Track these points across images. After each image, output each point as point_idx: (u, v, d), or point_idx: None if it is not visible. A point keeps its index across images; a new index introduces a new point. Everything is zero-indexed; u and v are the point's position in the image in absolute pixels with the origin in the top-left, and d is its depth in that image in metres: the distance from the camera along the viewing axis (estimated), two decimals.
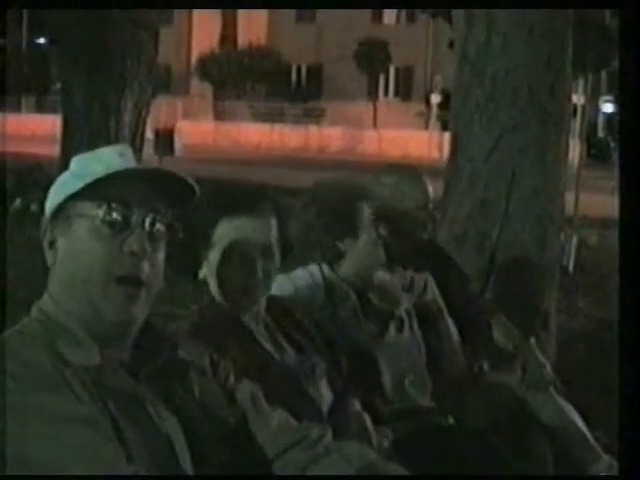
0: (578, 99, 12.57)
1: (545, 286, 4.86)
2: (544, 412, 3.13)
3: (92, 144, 10.67)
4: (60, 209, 1.78)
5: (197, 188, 1.86)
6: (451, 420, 2.92)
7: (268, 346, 2.44)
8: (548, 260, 4.84)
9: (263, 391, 2.07)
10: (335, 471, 1.90)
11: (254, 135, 35.52)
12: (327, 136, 34.77)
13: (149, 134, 16.60)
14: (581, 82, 12.00)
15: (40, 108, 35.19)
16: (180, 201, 1.86)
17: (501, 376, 3.24)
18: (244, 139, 34.97)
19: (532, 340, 3.56)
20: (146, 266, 1.76)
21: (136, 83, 11.10)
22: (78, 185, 1.75)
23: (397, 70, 40.17)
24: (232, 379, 2.03)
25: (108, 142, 10.93)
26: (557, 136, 4.76)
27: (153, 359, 1.82)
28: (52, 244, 1.80)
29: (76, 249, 1.76)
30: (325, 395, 2.47)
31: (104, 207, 1.75)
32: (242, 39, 41.28)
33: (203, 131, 35.02)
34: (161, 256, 1.82)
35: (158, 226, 1.79)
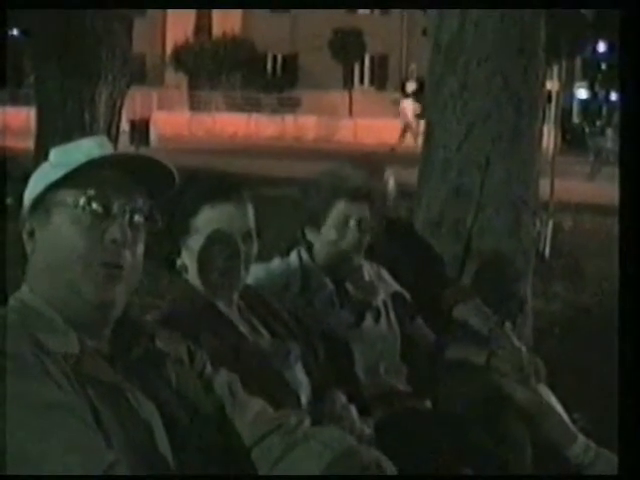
0: (552, 85, 12.60)
1: (520, 271, 4.90)
2: (519, 395, 3.16)
3: (67, 136, 10.59)
4: (40, 199, 1.79)
5: (176, 174, 1.87)
6: (428, 404, 2.96)
7: (244, 330, 2.47)
8: (523, 245, 4.87)
9: (239, 374, 2.10)
10: (313, 456, 1.91)
11: (230, 125, 35.36)
12: (303, 125, 34.70)
13: (124, 125, 16.53)
14: (555, 69, 12.04)
15: (14, 101, 34.92)
16: (160, 188, 1.88)
17: (475, 359, 3.27)
18: (220, 129, 34.78)
19: (507, 324, 3.59)
20: (127, 254, 1.79)
21: (110, 74, 11.04)
22: (58, 174, 1.76)
23: (372, 59, 40.15)
24: (209, 369, 2.04)
25: (83, 134, 10.85)
26: (531, 122, 4.79)
27: (130, 350, 1.84)
28: (31, 234, 1.81)
29: (56, 237, 1.77)
30: (301, 380, 2.50)
31: (85, 196, 1.76)
32: (217, 29, 41.10)
33: (179, 121, 34.84)
34: (141, 247, 1.83)
35: (138, 216, 1.81)
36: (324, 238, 3.03)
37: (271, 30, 39.36)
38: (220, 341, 2.34)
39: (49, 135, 10.77)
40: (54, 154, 1.86)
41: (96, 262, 1.75)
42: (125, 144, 17.16)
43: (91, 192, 1.76)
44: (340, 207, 3.00)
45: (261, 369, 2.38)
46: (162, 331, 2.01)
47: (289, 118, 35.83)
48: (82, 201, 1.76)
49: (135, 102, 21.38)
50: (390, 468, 1.94)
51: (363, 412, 2.60)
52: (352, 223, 3.00)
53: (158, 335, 1.95)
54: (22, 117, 27.66)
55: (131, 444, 1.68)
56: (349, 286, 3.08)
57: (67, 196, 1.77)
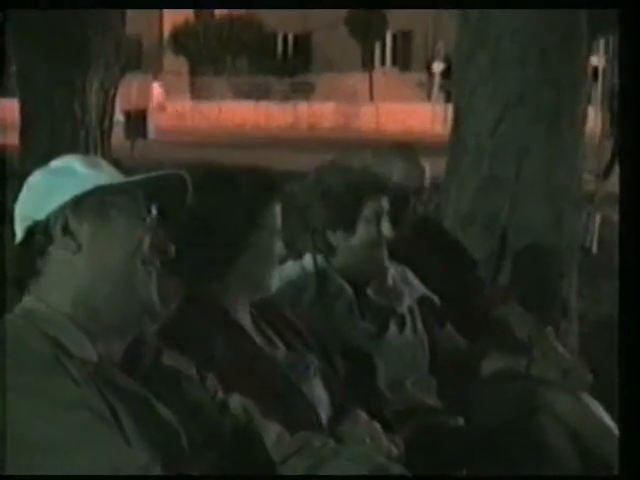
0: (598, 61, 12.53)
1: (563, 270, 4.88)
2: (563, 408, 3.15)
3: (55, 130, 10.65)
4: (89, 198, 1.96)
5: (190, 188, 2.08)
6: (460, 420, 2.96)
7: (259, 340, 2.51)
8: (566, 241, 4.86)
9: (255, 387, 2.24)
10: (341, 474, 2.04)
11: (237, 114, 35.42)
12: (318, 113, 34.71)
13: (119, 116, 16.58)
14: (601, 41, 11.96)
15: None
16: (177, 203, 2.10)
17: (513, 368, 3.27)
18: (225, 119, 34.87)
19: (549, 329, 3.58)
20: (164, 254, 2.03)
21: (102, 61, 11.04)
22: (113, 180, 1.99)
23: (394, 36, 40.14)
24: (221, 394, 2.16)
25: (73, 127, 10.89)
26: (573, 103, 4.77)
27: (139, 361, 1.99)
28: (66, 230, 1.94)
29: (116, 235, 1.96)
30: (320, 395, 2.53)
31: (144, 204, 2.00)
32: None
33: (180, 111, 34.95)
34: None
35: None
36: (356, 240, 3.04)
37: None
38: (234, 351, 2.38)
39: (35, 129, 10.78)
40: (79, 162, 2.03)
41: (151, 263, 1.98)
42: (120, 137, 17.19)
43: (147, 202, 2.00)
44: (374, 206, 3.02)
45: (278, 383, 2.43)
46: (168, 350, 2.11)
47: (302, 105, 35.87)
48: (142, 208, 1.99)
49: (131, 91, 21.44)
50: None
51: (388, 430, 2.61)
52: (385, 224, 3.03)
53: (165, 352, 2.08)
54: (6, 110, 27.76)
55: (153, 446, 1.82)
56: (370, 292, 3.09)
57: (127, 200, 1.98)
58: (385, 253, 3.09)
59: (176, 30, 40.56)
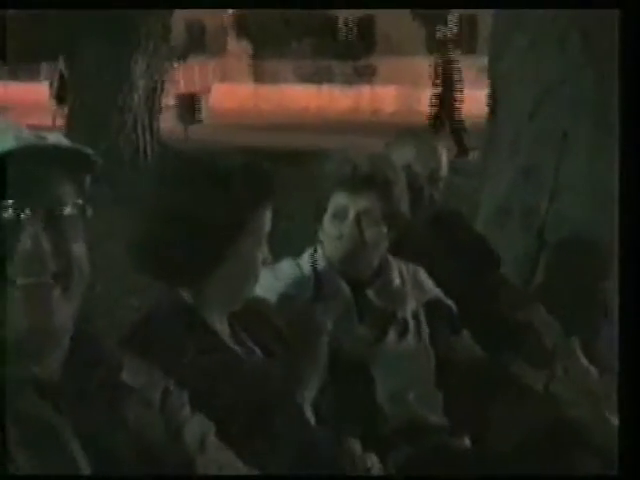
0: None
1: (607, 270, 4.61)
2: (591, 429, 2.86)
3: (102, 112, 10.71)
4: None
5: (93, 155, 1.67)
6: (467, 442, 2.69)
7: (236, 348, 2.32)
8: (610, 237, 4.59)
9: (230, 396, 2.10)
10: None
11: (299, 97, 35.57)
12: (381, 97, 34.68)
13: (170, 100, 16.60)
14: None
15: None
16: (79, 172, 1.68)
17: (532, 383, 3.00)
18: (288, 102, 34.99)
19: (574, 339, 3.33)
20: (51, 265, 1.62)
21: (151, 43, 11.09)
22: None
23: (459, 20, 39.86)
24: (187, 411, 1.93)
25: (120, 110, 10.95)
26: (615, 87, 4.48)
27: (85, 379, 1.72)
28: None
29: None
30: (304, 409, 2.35)
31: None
32: None
33: (241, 94, 35.16)
34: (78, 246, 1.67)
35: (60, 212, 1.64)
36: (327, 233, 2.84)
37: None
38: (205, 358, 2.19)
39: (82, 112, 10.86)
40: None
41: (18, 283, 1.61)
42: (171, 121, 17.22)
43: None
44: (338, 198, 2.79)
45: (257, 392, 2.22)
46: (133, 360, 1.87)
47: (365, 89, 35.87)
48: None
49: (191, 73, 21.54)
50: None
51: (384, 449, 2.41)
52: (350, 216, 2.79)
53: (127, 365, 1.82)
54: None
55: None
56: (371, 293, 2.83)
57: None
58: (367, 252, 2.83)
59: (240, 14, 40.65)
